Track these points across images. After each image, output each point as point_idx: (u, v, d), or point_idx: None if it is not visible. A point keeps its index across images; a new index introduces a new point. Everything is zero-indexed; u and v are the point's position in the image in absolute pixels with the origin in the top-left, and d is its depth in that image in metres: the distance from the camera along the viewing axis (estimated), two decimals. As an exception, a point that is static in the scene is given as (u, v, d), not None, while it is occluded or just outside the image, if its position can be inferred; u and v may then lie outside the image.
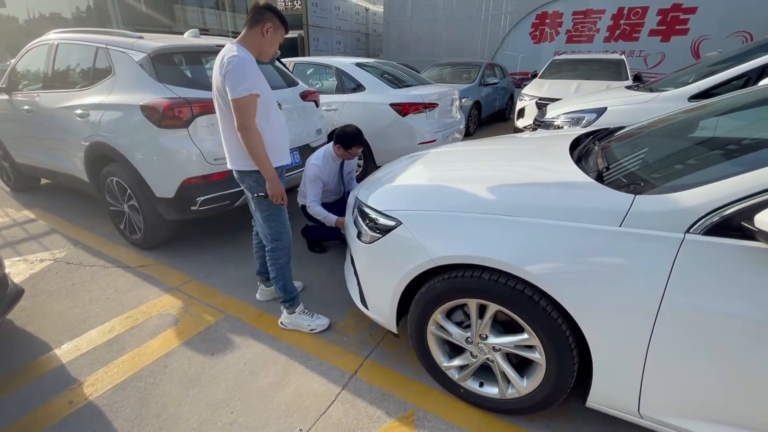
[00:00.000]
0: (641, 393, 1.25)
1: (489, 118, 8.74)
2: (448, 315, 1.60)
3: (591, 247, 1.22)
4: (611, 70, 6.69)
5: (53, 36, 3.37)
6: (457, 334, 1.57)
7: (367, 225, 1.74)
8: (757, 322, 1.03)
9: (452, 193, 1.58)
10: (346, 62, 4.64)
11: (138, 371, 1.84)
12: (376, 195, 1.82)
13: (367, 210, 1.77)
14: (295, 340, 2.06)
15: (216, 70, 1.74)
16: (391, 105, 4.13)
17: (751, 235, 1.03)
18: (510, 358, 1.54)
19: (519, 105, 6.57)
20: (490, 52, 11.62)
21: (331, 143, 2.72)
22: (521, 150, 2.14)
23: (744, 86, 2.87)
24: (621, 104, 3.37)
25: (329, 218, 2.69)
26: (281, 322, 2.15)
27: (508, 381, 1.54)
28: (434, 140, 4.33)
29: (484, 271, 1.40)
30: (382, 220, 1.66)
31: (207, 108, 2.58)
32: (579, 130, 2.41)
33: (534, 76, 7.54)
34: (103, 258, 2.89)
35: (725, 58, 3.75)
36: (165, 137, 2.52)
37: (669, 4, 8.88)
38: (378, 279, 1.71)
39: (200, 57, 2.97)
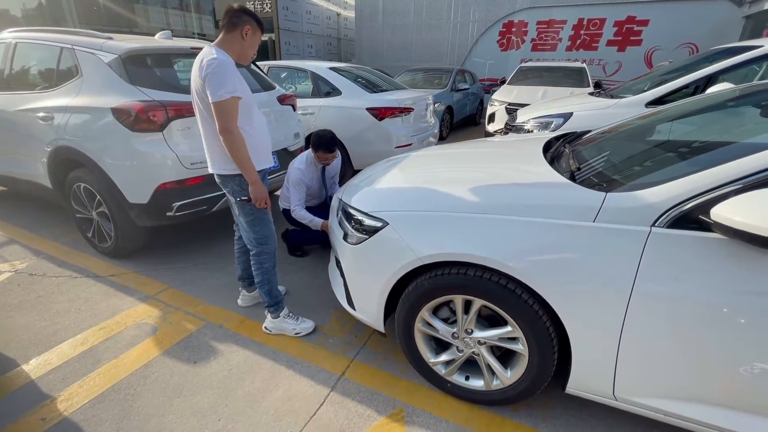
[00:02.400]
0: (615, 376, 1.34)
1: (460, 122, 8.97)
2: (435, 312, 1.65)
3: (568, 241, 1.31)
4: (574, 78, 7.05)
5: (9, 35, 3.19)
6: (443, 330, 1.62)
7: (352, 227, 1.77)
8: (712, 306, 1.14)
9: (436, 194, 1.63)
10: (321, 66, 4.65)
11: (116, 383, 1.77)
12: (361, 197, 1.85)
13: (352, 212, 1.80)
14: (281, 344, 2.04)
15: (195, 73, 1.73)
16: (368, 109, 4.18)
17: (707, 227, 1.14)
18: (494, 350, 1.61)
19: (489, 110, 6.80)
20: (460, 58, 11.94)
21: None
22: (497, 152, 2.24)
23: (693, 93, 3.13)
24: (585, 109, 3.58)
25: (315, 222, 2.69)
26: (265, 327, 2.13)
27: (493, 373, 1.61)
28: (410, 144, 4.41)
29: (469, 268, 1.46)
30: (368, 221, 1.69)
31: (182, 111, 2.52)
32: (549, 134, 2.55)
33: (503, 82, 7.84)
34: (70, 268, 2.75)
35: (676, 68, 4.06)
36: (138, 141, 2.45)
37: (624, 17, 9.49)
38: (365, 279, 1.73)
39: (173, 59, 2.90)
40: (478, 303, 1.50)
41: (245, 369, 1.87)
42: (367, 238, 1.67)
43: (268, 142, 2.00)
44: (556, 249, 1.32)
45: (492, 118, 6.69)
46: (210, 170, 1.92)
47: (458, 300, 1.53)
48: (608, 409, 1.60)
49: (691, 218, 1.17)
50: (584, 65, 7.36)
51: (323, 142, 2.62)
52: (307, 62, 4.95)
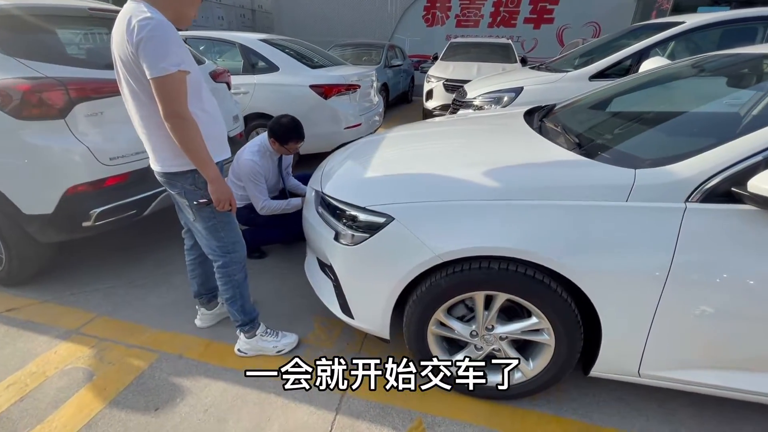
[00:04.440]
0: (643, 355, 1.32)
1: (394, 100, 8.81)
2: (449, 311, 1.49)
3: (602, 224, 1.22)
4: (501, 53, 7.27)
5: None
6: (461, 329, 1.48)
7: (345, 224, 1.51)
8: (747, 276, 1.14)
9: (444, 181, 1.45)
10: (251, 38, 4.08)
11: (49, 459, 1.34)
12: (350, 189, 1.60)
13: (342, 207, 1.54)
14: (262, 366, 1.73)
15: (119, 38, 1.28)
16: (312, 87, 3.79)
17: (739, 199, 1.12)
18: (513, 343, 1.51)
19: (426, 87, 6.72)
20: (386, 34, 11.65)
21: (264, 135, 2.33)
22: (484, 131, 2.10)
23: (629, 67, 3.31)
24: (535, 83, 3.63)
25: (292, 203, 2.37)
26: (239, 350, 1.80)
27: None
28: (359, 124, 4.14)
29: (492, 261, 1.31)
30: (365, 217, 1.45)
31: (91, 91, 1.97)
32: (519, 108, 2.48)
33: (435, 58, 7.80)
34: (-58, 307, 2.06)
35: (604, 43, 4.32)
36: (30, 133, 1.85)
37: (538, -5, 10.05)
38: (367, 284, 1.50)
39: (69, 24, 2.23)
40: (501, 298, 1.37)
41: (224, 406, 1.55)
42: (367, 238, 1.43)
43: (224, 128, 1.62)
44: (589, 234, 1.23)
45: (430, 94, 6.64)
46: (153, 167, 1.50)
47: (479, 297, 1.39)
48: (618, 385, 1.62)
49: (720, 191, 1.14)
50: (510, 41, 7.62)
51: (291, 130, 2.24)
52: (233, 33, 4.32)
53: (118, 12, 1.36)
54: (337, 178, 1.72)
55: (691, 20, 3.21)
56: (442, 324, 1.49)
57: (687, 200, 1.16)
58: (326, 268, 1.68)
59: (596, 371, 1.42)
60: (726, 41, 3.26)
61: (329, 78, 3.89)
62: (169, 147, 1.42)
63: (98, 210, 2.03)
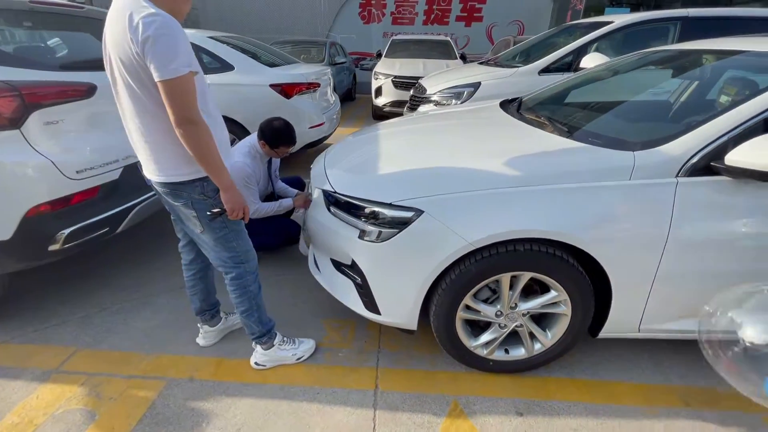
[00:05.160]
0: (644, 313, 1.52)
1: (339, 98, 8.75)
2: (475, 295, 1.57)
3: (612, 201, 1.38)
4: (442, 50, 7.56)
5: None
6: (487, 311, 1.57)
7: (369, 222, 1.52)
8: (729, 235, 1.37)
9: (465, 173, 1.52)
10: (199, 36, 3.80)
11: None
12: (368, 186, 1.61)
13: (362, 204, 1.54)
14: (286, 377, 1.68)
15: (119, 36, 1.16)
16: (272, 86, 3.65)
17: (716, 171, 1.34)
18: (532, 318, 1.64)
19: (375, 84, 6.78)
20: (316, 30, 11.44)
21: (254, 137, 2.22)
22: (477, 124, 2.19)
23: (571, 62, 3.67)
24: (491, 78, 3.87)
25: (284, 204, 2.27)
26: (256, 363, 1.72)
27: (533, 339, 1.64)
28: (322, 123, 4.08)
29: (518, 244, 1.42)
30: (392, 213, 1.47)
31: (48, 96, 1.73)
32: (492, 102, 2.63)
33: (379, 55, 7.89)
34: None
35: (543, 39, 4.71)
36: (-22, 147, 1.58)
37: (467, -6, 10.58)
38: (398, 278, 1.53)
39: (13, 18, 1.91)
40: (526, 277, 1.48)
41: (258, 423, 1.48)
42: (397, 232, 1.45)
43: (227, 133, 1.53)
44: (603, 211, 1.38)
45: (379, 91, 6.71)
46: (155, 178, 1.37)
47: (506, 278, 1.48)
48: (616, 343, 1.83)
49: (701, 166, 1.36)
50: (449, 39, 7.96)
51: (283, 133, 2.16)
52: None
53: (63, 6, 1.22)
54: (349, 176, 1.71)
55: (618, 20, 3.65)
56: (468, 308, 1.57)
57: (677, 175, 1.36)
58: (346, 267, 1.67)
59: (604, 332, 1.60)
60: (645, 38, 3.76)
61: (290, 77, 3.77)
62: (177, 155, 1.32)
63: (67, 231, 1.80)
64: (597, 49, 3.78)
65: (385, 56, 7.45)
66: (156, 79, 1.14)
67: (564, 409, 1.55)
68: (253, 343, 1.71)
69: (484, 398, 1.60)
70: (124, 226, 2.05)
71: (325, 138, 4.35)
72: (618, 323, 1.57)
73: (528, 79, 3.70)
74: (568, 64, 3.70)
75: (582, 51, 3.67)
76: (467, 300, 1.53)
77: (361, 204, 1.55)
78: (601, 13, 9.72)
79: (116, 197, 1.98)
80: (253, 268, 1.61)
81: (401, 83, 6.40)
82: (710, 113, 1.44)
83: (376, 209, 1.51)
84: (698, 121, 1.43)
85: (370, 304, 1.61)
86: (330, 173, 1.81)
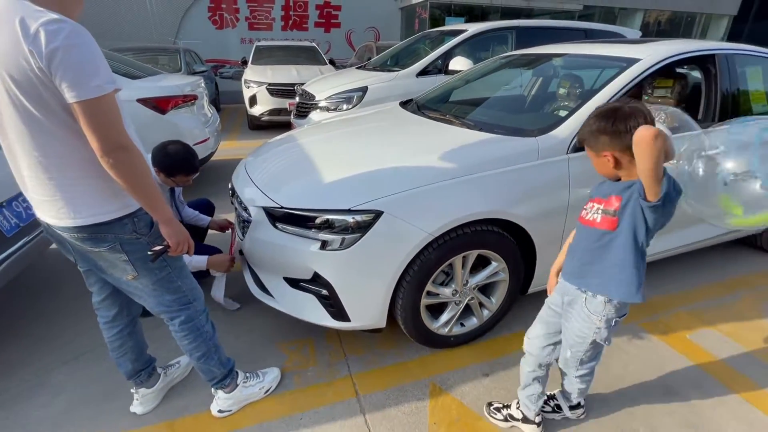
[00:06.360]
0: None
1: (205, 109, 7.97)
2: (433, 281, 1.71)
3: (530, 179, 1.68)
4: (309, 56, 7.58)
5: None
6: (445, 293, 1.72)
7: (326, 231, 1.51)
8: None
9: (408, 170, 1.63)
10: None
11: None
12: (318, 196, 1.59)
13: (316, 215, 1.52)
14: (260, 415, 1.54)
15: (9, 47, 0.91)
16: (140, 101, 3.16)
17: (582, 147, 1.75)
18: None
19: (248, 92, 6.44)
20: (158, 36, 10.14)
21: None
22: (395, 125, 2.30)
23: (443, 65, 4.16)
24: (375, 82, 4.08)
25: (196, 262, 1.94)
26: (220, 411, 1.53)
27: (481, 307, 1.87)
28: (207, 138, 3.71)
29: (465, 227, 1.60)
30: (352, 218, 1.50)
31: None
32: (391, 104, 2.82)
33: (244, 62, 7.46)
34: None
35: (407, 45, 5.18)
36: None
37: (322, 1, 10.73)
38: (366, 280, 1.56)
39: None
40: (473, 255, 1.68)
41: (246, 471, 1.33)
42: (360, 237, 1.49)
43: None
44: (525, 188, 1.67)
45: (254, 100, 6.41)
46: (63, 223, 1.11)
47: (458, 259, 1.66)
48: (534, 296, 2.21)
49: (577, 145, 1.76)
50: (315, 44, 8.02)
51: (179, 161, 1.88)
52: None
53: None
54: (292, 189, 1.65)
55: (471, 29, 4.28)
56: (429, 294, 1.70)
57: (567, 153, 1.74)
58: (305, 283, 1.62)
59: (532, 288, 1.93)
60: (492, 43, 4.52)
61: (160, 89, 3.32)
62: (97, 190, 1.10)
63: None
64: (458, 53, 4.37)
65: (251, 63, 7.10)
66: (71, 100, 0.93)
67: (517, 359, 1.81)
68: (213, 389, 1.52)
69: (454, 372, 1.76)
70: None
71: (212, 154, 3.97)
72: (541, 278, 1.90)
73: (408, 82, 4.05)
74: (439, 67, 4.17)
75: (448, 55, 4.19)
76: (429, 286, 1.66)
77: (313, 215, 1.53)
78: (441, 21, 11.09)
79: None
80: (202, 306, 1.43)
81: (277, 91, 6.21)
82: (571, 102, 1.87)
83: (333, 217, 1.51)
84: (573, 109, 1.84)
85: (338, 313, 1.61)
86: (267, 189, 1.71)
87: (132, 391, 1.54)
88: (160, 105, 3.23)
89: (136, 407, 1.54)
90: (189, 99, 3.54)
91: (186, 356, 1.73)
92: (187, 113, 3.51)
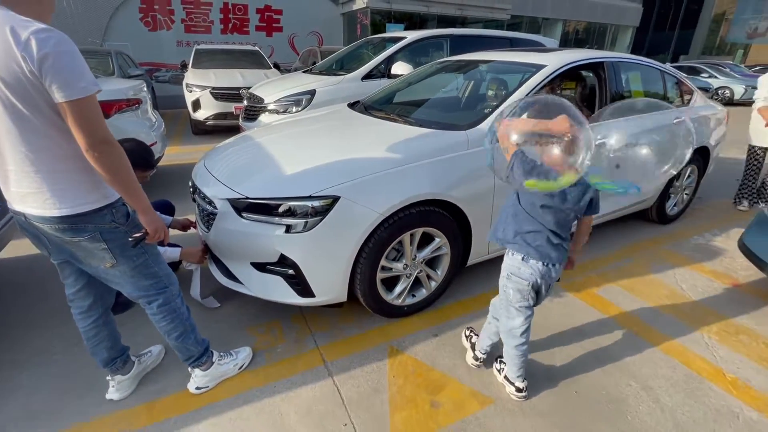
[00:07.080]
0: (490, 238, 2.23)
1: (142, 115, 7.61)
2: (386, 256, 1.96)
3: (462, 165, 1.99)
4: (253, 60, 7.56)
5: None
6: (397, 266, 1.98)
7: (292, 216, 1.70)
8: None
9: (361, 161, 1.87)
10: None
11: None
12: (281, 185, 1.78)
13: (280, 202, 1.71)
14: (236, 387, 1.69)
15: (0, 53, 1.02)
16: (81, 105, 3.07)
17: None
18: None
19: (190, 97, 6.31)
20: (91, 38, 9.52)
21: None
22: (344, 123, 2.52)
23: (386, 69, 4.45)
24: (324, 86, 4.26)
25: (170, 253, 2.00)
26: (197, 387, 1.65)
27: (429, 279, 2.15)
28: (155, 142, 3.67)
29: (411, 207, 1.87)
30: (313, 204, 1.70)
31: None
32: (341, 105, 3.04)
33: (184, 66, 7.26)
34: None
35: (351, 50, 5.43)
36: None
37: (262, 5, 10.65)
38: (328, 258, 1.76)
39: None
40: (419, 232, 1.96)
41: (228, 434, 1.48)
42: (321, 219, 1.69)
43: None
44: (460, 173, 1.98)
45: (197, 104, 6.30)
46: (48, 213, 1.20)
47: (407, 236, 1.92)
48: (477, 267, 2.54)
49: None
50: (258, 48, 8.00)
51: (137, 157, 1.92)
52: None
53: None
54: (255, 182, 1.81)
55: (410, 35, 4.63)
56: (383, 269, 1.94)
57: (490, 143, 2.07)
58: (272, 265, 1.79)
59: (471, 261, 2.25)
60: (429, 49, 4.90)
61: (102, 93, 3.24)
62: (80, 182, 1.22)
63: None
64: (400, 58, 4.69)
65: (192, 67, 6.93)
66: (61, 100, 1.06)
67: (460, 321, 2.12)
68: (190, 368, 1.64)
69: (409, 336, 2.02)
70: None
71: (159, 159, 3.91)
72: (477, 252, 2.24)
73: (354, 85, 4.29)
74: (383, 71, 4.46)
75: (390, 60, 4.50)
76: (383, 261, 1.90)
77: (277, 203, 1.71)
78: (382, 27, 11.50)
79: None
80: (177, 289, 1.55)
81: (222, 95, 6.16)
82: (497, 102, 2.22)
83: (295, 203, 1.70)
84: (493, 107, 2.19)
85: (305, 290, 1.80)
86: (231, 183, 1.86)
87: (108, 378, 1.61)
88: (104, 109, 3.16)
89: (113, 394, 1.62)
90: (133, 103, 3.50)
91: (157, 345, 1.84)
92: (133, 117, 3.47)
